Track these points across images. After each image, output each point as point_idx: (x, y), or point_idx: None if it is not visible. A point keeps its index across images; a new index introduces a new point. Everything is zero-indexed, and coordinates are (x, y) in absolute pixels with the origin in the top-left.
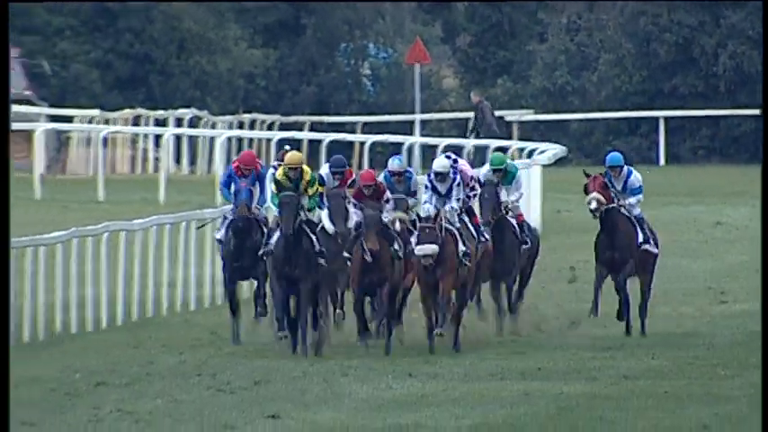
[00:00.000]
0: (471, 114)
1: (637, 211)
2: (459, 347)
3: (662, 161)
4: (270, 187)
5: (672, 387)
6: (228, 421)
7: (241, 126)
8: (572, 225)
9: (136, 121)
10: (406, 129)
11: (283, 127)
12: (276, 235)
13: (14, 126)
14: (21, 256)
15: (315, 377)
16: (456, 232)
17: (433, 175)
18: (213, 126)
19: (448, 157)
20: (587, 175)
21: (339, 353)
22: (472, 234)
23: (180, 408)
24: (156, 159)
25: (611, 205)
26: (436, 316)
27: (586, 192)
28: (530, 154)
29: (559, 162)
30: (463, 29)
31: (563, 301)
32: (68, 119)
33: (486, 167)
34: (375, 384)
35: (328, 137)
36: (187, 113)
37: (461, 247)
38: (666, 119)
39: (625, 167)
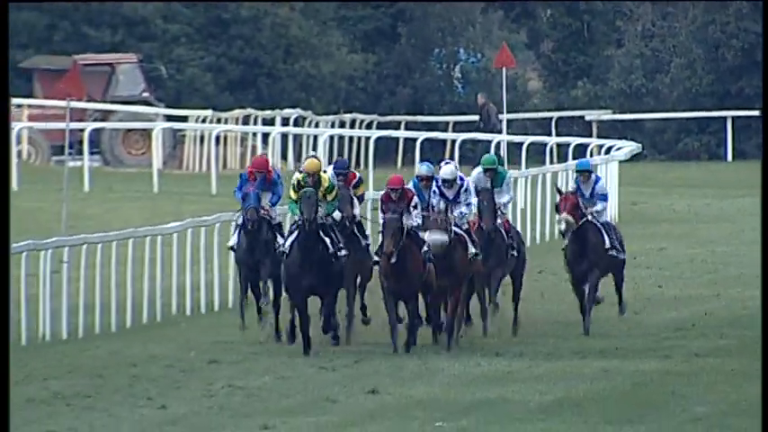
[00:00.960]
0: (552, 114)
1: (604, 217)
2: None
3: (729, 157)
4: (289, 193)
5: (739, 364)
6: (331, 396)
7: (342, 125)
8: (646, 216)
9: (245, 121)
10: None
11: (381, 126)
12: (292, 237)
13: (134, 125)
14: (140, 245)
15: (410, 355)
16: (464, 235)
17: (441, 182)
18: (316, 125)
19: (448, 163)
20: (559, 192)
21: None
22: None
23: (286, 383)
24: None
25: (581, 221)
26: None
27: (557, 211)
28: (608, 150)
29: (635, 158)
30: (546, 36)
31: (642, 285)
32: (183, 118)
33: (478, 169)
34: (465, 362)
35: (422, 135)
36: (293, 113)
37: (471, 249)
38: (734, 118)
39: (593, 174)
